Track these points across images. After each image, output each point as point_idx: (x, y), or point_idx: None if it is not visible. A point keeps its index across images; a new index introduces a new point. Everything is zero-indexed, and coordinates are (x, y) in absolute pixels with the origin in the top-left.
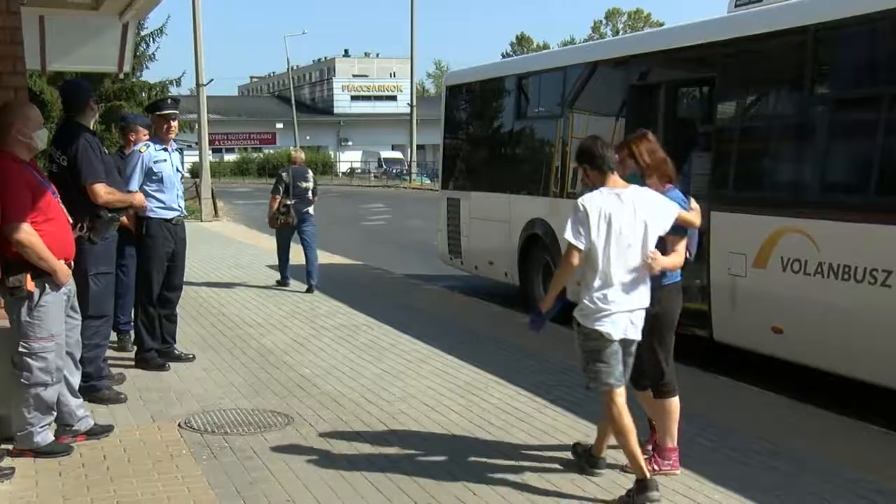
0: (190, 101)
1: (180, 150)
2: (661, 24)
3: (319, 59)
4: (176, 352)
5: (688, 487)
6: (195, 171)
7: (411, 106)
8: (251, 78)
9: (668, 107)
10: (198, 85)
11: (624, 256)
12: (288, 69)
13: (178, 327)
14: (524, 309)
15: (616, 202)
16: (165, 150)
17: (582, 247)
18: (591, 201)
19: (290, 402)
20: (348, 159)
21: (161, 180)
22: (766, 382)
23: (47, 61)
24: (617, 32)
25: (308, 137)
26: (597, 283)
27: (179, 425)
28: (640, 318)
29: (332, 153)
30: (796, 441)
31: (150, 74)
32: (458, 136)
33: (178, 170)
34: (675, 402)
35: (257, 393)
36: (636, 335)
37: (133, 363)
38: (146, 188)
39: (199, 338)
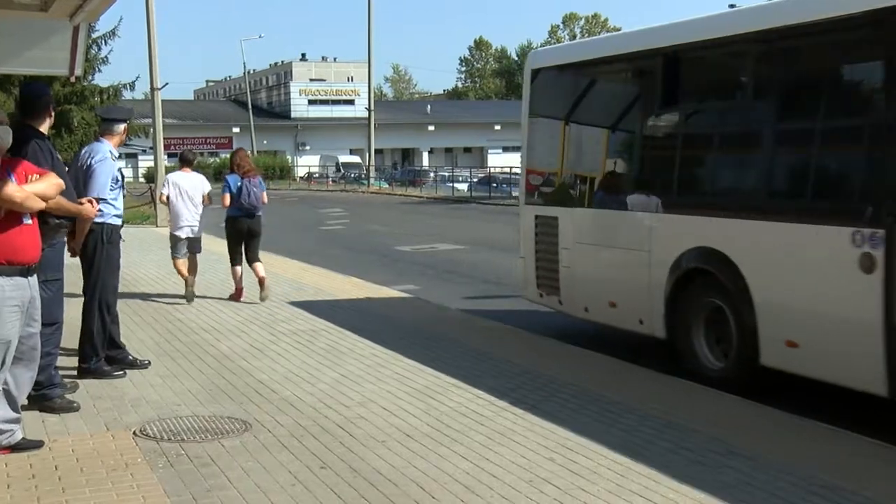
0: (144, 106)
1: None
2: (619, 30)
3: (276, 63)
4: (130, 358)
5: (644, 487)
6: (150, 176)
7: (369, 110)
8: (207, 82)
9: None
10: (152, 89)
11: (183, 202)
12: (244, 73)
13: (133, 333)
14: (684, 373)
15: (182, 177)
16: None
17: (166, 193)
18: (171, 176)
19: (248, 408)
20: (306, 164)
21: (122, 187)
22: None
23: None
24: (574, 37)
25: (265, 142)
26: (174, 216)
27: (134, 433)
28: (195, 229)
29: (289, 157)
30: (751, 441)
31: (103, 78)
32: (554, 134)
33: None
34: (234, 269)
35: (214, 399)
36: (194, 235)
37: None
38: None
39: (154, 344)
